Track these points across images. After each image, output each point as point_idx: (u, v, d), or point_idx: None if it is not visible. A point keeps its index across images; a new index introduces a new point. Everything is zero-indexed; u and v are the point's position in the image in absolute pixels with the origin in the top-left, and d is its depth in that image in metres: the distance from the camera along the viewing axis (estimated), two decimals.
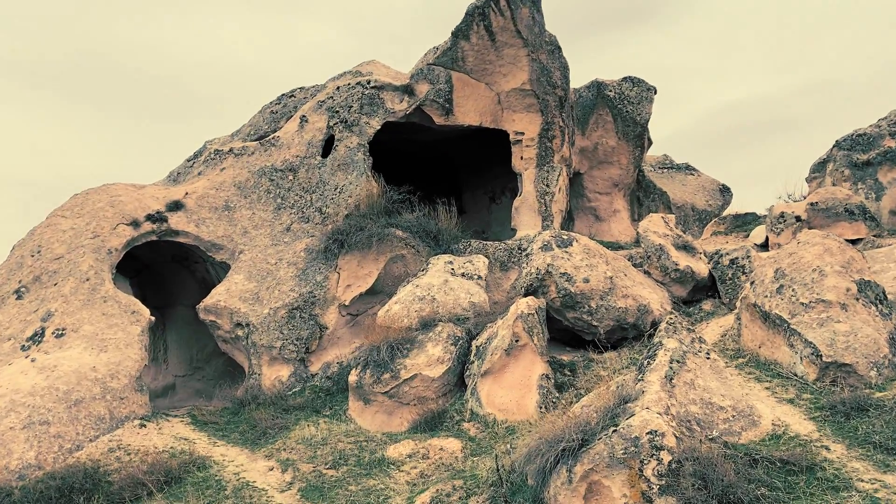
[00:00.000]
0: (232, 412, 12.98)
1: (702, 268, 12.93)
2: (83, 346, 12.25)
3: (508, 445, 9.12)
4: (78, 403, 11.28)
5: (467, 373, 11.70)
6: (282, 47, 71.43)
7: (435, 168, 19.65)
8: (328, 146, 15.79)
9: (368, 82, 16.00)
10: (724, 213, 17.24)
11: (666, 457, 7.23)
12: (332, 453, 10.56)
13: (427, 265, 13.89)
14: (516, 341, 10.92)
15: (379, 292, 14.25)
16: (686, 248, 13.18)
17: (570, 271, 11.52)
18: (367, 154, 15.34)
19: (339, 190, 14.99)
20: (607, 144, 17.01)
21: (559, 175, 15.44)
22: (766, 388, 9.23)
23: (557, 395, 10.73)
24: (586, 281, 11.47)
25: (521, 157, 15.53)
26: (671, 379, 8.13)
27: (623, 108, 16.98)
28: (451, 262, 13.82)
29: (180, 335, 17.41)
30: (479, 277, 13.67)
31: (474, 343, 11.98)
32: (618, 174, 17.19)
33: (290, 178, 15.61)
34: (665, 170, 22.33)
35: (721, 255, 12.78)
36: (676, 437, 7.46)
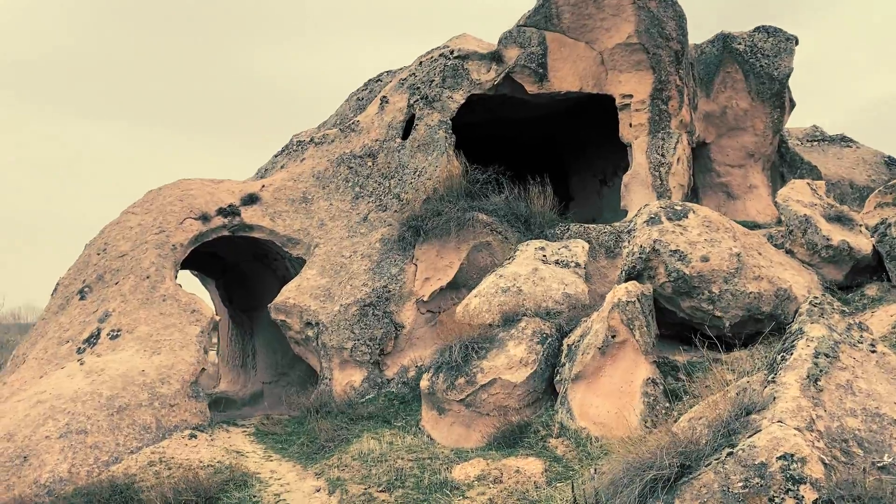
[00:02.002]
0: (298, 421, 11.55)
1: (862, 243, 10.07)
2: (135, 349, 11.23)
3: (592, 470, 6.94)
4: (121, 411, 10.19)
5: (557, 377, 9.58)
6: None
7: (536, 152, 17.56)
8: (409, 127, 14.18)
9: (451, 52, 14.24)
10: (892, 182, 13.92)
11: (809, 494, 4.86)
12: (388, 472, 8.77)
13: (514, 252, 11.87)
14: (613, 337, 8.68)
15: (462, 286, 12.38)
16: (840, 219, 10.36)
17: (683, 248, 9.12)
18: (450, 132, 13.56)
19: (417, 173, 13.29)
20: (738, 107, 14.24)
21: (677, 142, 12.93)
22: None
23: (668, 404, 8.39)
24: (705, 260, 9.03)
25: (630, 125, 13.17)
26: (817, 380, 5.68)
27: (756, 62, 14.17)
28: (542, 249, 11.74)
29: (266, 339, 16.33)
30: (577, 265, 11.49)
31: (566, 342, 9.84)
32: (753, 142, 14.37)
33: (370, 164, 14.12)
34: (815, 142, 18.97)
35: (889, 226, 9.88)
36: (825, 463, 5.05)
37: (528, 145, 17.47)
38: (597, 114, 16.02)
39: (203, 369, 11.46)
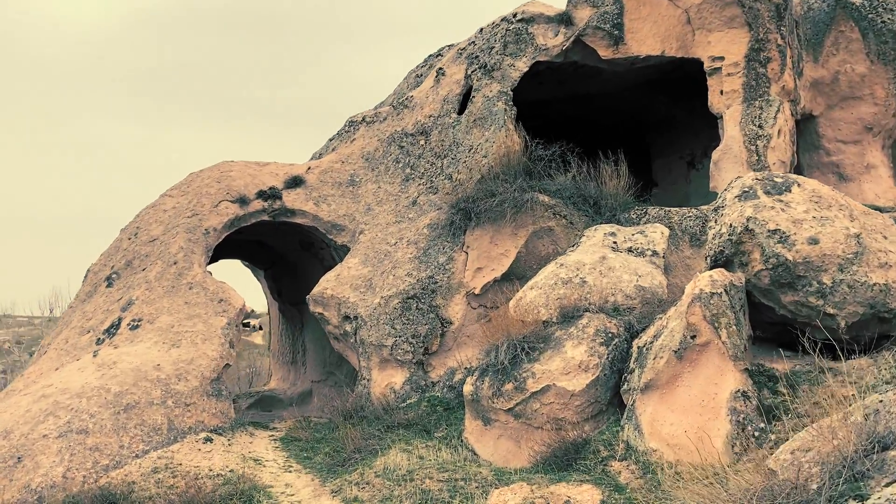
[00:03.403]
0: (331, 427, 10.24)
1: None
2: (154, 340, 10.20)
3: None
4: (129, 409, 9.14)
5: (625, 386, 7.88)
6: None
7: (615, 133, 15.70)
8: (466, 101, 12.68)
9: (514, 16, 12.66)
10: None
11: None
12: (412, 495, 7.30)
13: (579, 239, 10.20)
14: (692, 338, 6.92)
15: (519, 278, 10.78)
16: None
17: (785, 228, 7.25)
18: (510, 104, 11.99)
19: (472, 150, 11.78)
20: (853, 72, 12.04)
21: (778, 111, 10.91)
22: None
23: (763, 425, 6.56)
24: (813, 242, 7.13)
25: (721, 92, 11.23)
26: None
27: (876, 18, 11.92)
28: (612, 235, 10.02)
29: (316, 335, 15.20)
30: (654, 253, 9.72)
31: (636, 343, 8.12)
32: (871, 113, 12.12)
33: (422, 142, 12.72)
34: None
35: None
36: None
37: (605, 126, 15.66)
38: (683, 85, 14.10)
39: (227, 365, 10.33)
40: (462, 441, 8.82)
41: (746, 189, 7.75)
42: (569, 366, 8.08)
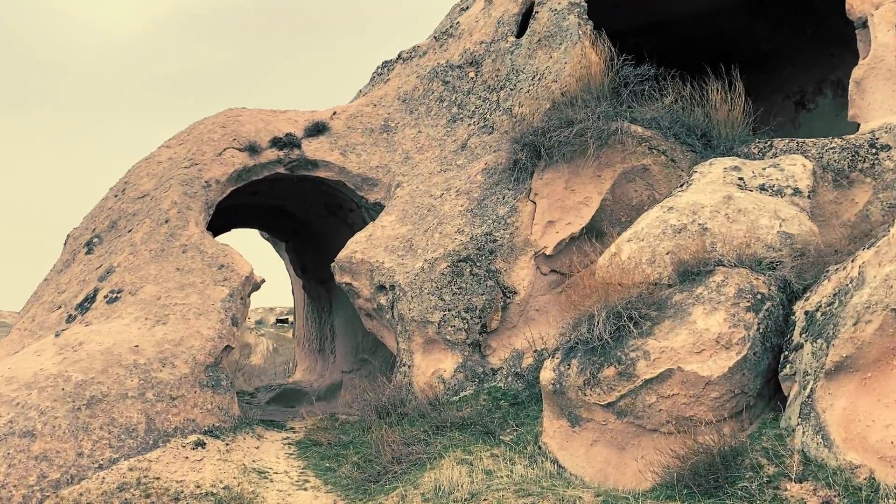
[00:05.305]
0: (362, 427, 7.89)
1: None
2: (134, 315, 7.92)
3: None
4: (93, 404, 6.86)
5: (786, 370, 5.36)
6: None
7: (702, 71, 13.07)
8: (527, 22, 10.20)
9: None
10: None
11: None
12: None
13: (691, 175, 7.65)
14: None
15: (604, 233, 8.27)
16: None
17: None
18: (584, 17, 9.46)
19: (537, 76, 9.28)
20: None
21: None
22: None
23: None
24: None
25: None
26: None
27: None
28: (736, 169, 7.47)
29: (346, 318, 12.89)
30: (797, 191, 7.15)
31: (799, 307, 5.59)
32: None
33: (472, 75, 10.27)
34: None
35: None
36: None
37: (689, 63, 13.03)
38: (788, 10, 11.49)
39: (228, 346, 8.01)
40: (540, 447, 6.39)
41: None
42: (700, 341, 5.57)
